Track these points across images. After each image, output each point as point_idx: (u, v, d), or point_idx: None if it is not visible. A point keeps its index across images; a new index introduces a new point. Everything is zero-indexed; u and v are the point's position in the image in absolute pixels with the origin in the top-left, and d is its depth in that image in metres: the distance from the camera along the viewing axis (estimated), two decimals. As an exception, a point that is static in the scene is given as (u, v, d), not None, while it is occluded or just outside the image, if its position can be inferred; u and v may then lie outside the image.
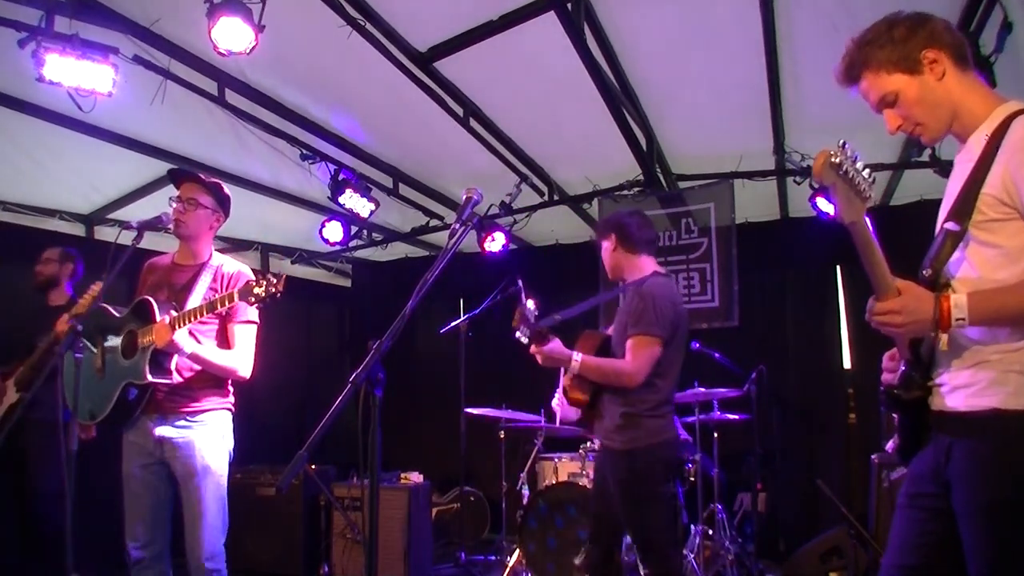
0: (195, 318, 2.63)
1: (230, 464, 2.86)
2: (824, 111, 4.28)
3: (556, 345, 2.92)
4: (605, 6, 3.46)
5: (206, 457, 2.74)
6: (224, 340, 2.87)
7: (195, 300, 2.79)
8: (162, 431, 2.74)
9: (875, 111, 1.75)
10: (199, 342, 2.76)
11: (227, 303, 2.60)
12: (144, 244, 2.85)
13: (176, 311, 2.69)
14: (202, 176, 2.99)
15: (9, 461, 3.90)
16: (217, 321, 2.85)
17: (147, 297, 2.76)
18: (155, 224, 2.84)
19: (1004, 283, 1.53)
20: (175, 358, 2.71)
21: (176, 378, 2.72)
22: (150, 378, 2.64)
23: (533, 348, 2.91)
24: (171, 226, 2.88)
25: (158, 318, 2.66)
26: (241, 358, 2.85)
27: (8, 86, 3.77)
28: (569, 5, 3.28)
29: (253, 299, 2.52)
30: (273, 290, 2.50)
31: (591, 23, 3.48)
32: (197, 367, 2.77)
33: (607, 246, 3.17)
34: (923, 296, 1.53)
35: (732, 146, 4.83)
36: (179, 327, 2.62)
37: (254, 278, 2.80)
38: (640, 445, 2.86)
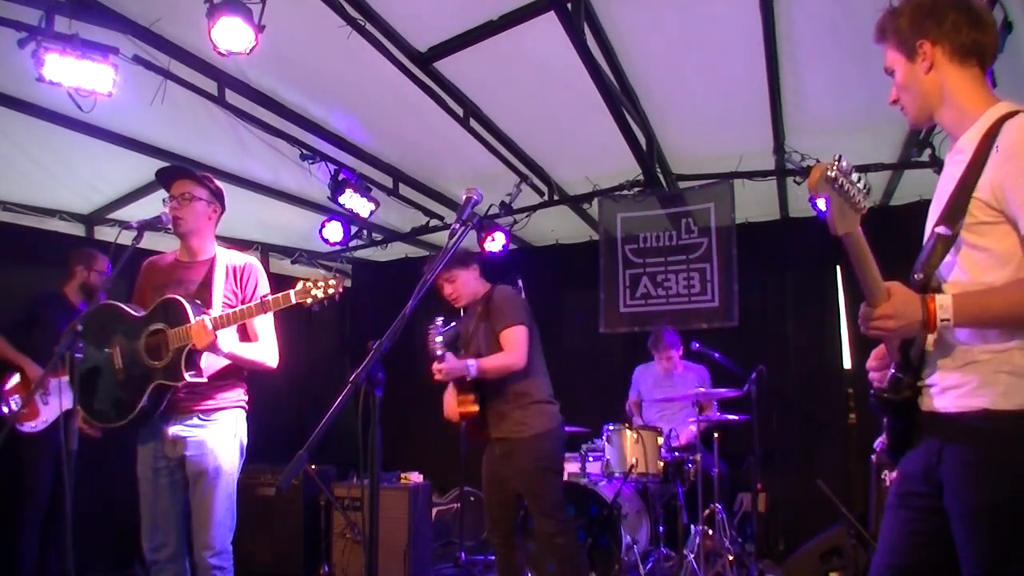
0: (242, 319, 2.64)
1: (242, 462, 2.86)
2: (824, 111, 4.29)
3: (451, 360, 3.29)
4: (605, 6, 3.46)
5: (219, 456, 2.74)
6: (244, 334, 2.87)
7: (217, 297, 2.79)
8: (176, 430, 2.74)
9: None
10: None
11: (282, 304, 2.58)
12: (144, 244, 2.83)
13: (205, 310, 2.68)
14: (191, 170, 2.97)
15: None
16: None
17: (177, 297, 2.71)
18: (155, 224, 2.83)
19: (992, 286, 1.53)
20: (204, 356, 2.70)
21: (203, 377, 2.72)
22: (188, 378, 2.63)
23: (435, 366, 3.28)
24: (171, 225, 2.86)
25: (192, 319, 2.62)
26: (269, 349, 2.88)
27: (8, 86, 3.77)
28: (569, 5, 3.28)
29: (310, 300, 2.51)
30: (332, 292, 2.50)
31: (591, 23, 3.48)
32: (220, 365, 2.77)
33: (472, 275, 3.43)
34: (911, 298, 1.53)
35: (732, 146, 4.83)
36: (222, 328, 2.61)
37: (261, 268, 2.81)
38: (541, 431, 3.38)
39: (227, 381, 2.84)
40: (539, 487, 3.36)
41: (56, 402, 3.97)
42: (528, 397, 3.39)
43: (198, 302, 2.73)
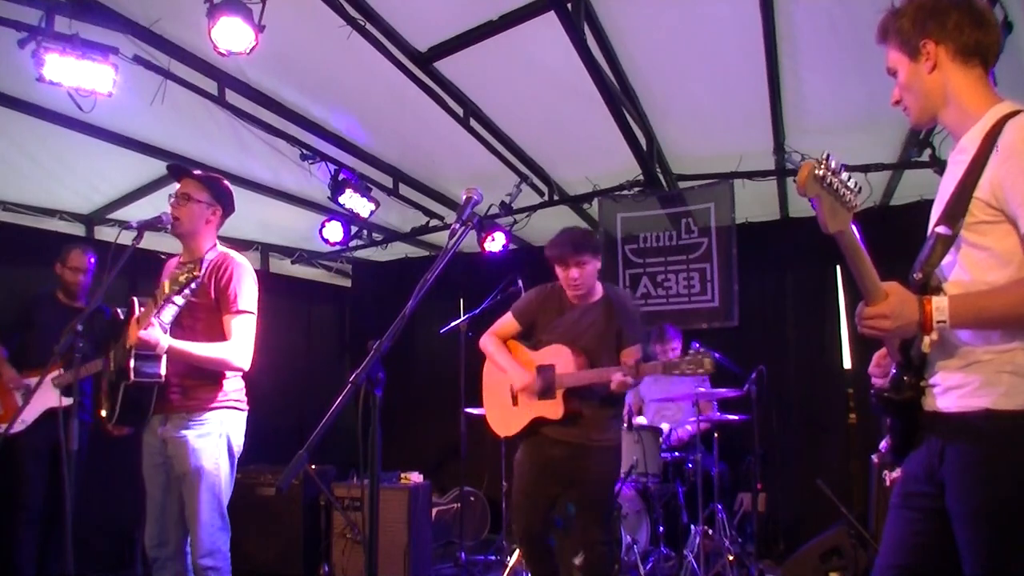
0: (149, 316, 2.62)
1: (233, 462, 2.83)
2: (824, 111, 4.29)
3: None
4: (605, 6, 3.46)
5: (200, 455, 2.72)
6: (220, 333, 2.81)
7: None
8: (165, 430, 2.75)
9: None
10: (192, 338, 2.76)
11: (161, 299, 2.59)
12: (144, 244, 2.83)
13: (143, 308, 2.71)
14: (197, 171, 2.97)
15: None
16: (202, 315, 2.81)
17: (133, 297, 2.77)
18: (155, 224, 2.82)
19: (994, 285, 1.53)
20: (163, 357, 2.68)
21: (159, 376, 2.70)
22: (133, 377, 2.62)
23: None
24: (169, 226, 2.86)
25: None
26: (233, 349, 2.77)
27: (8, 86, 3.77)
28: (569, 5, 3.28)
29: (177, 287, 2.53)
30: (195, 274, 2.53)
31: (591, 23, 3.48)
32: (191, 364, 2.74)
33: (597, 267, 3.36)
34: (908, 299, 1.53)
35: (732, 146, 4.83)
36: (142, 326, 2.60)
37: (245, 266, 2.85)
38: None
39: (211, 381, 2.80)
40: (605, 496, 3.34)
41: (36, 402, 3.91)
42: (616, 408, 3.41)
43: (163, 301, 2.70)
